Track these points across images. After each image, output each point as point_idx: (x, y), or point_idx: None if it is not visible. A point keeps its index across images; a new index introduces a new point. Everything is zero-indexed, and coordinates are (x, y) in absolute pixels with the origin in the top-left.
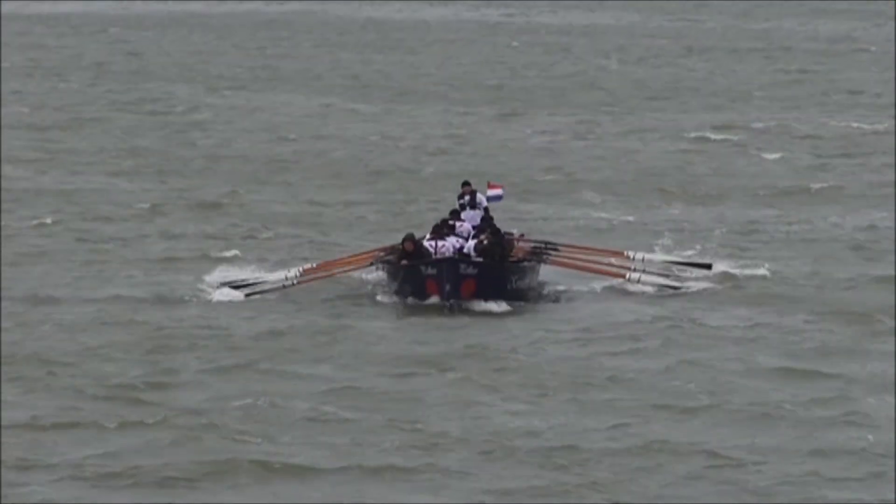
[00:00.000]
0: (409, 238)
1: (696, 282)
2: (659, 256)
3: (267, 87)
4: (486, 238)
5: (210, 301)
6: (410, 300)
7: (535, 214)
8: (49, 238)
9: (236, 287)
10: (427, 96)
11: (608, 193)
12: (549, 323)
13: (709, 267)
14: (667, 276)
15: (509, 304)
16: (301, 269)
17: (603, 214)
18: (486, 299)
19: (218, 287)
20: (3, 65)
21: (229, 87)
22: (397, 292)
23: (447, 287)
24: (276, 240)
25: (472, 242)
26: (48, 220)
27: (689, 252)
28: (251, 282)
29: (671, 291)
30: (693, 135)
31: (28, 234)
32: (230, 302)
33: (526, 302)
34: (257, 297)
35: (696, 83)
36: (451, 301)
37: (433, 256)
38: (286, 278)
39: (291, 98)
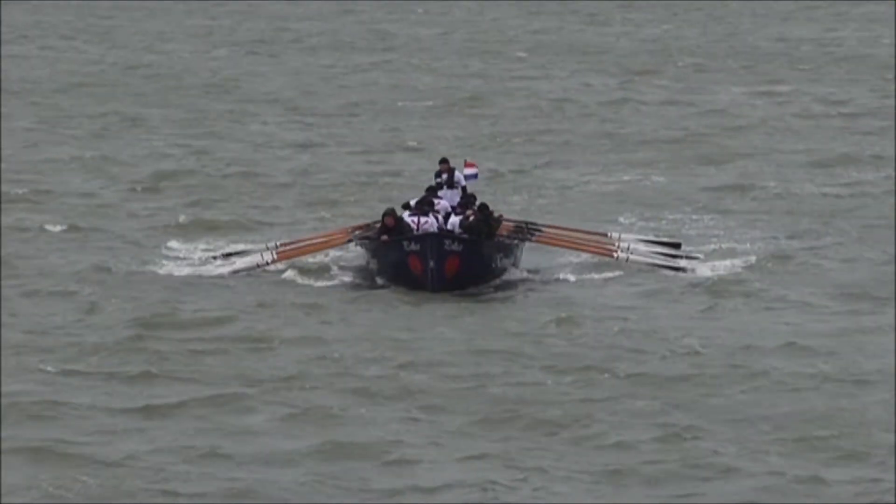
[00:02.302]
0: (390, 213)
1: (686, 261)
2: (635, 236)
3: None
4: (473, 214)
5: (189, 276)
6: (386, 282)
7: None
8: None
9: (211, 263)
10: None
11: None
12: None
13: (678, 246)
14: (655, 254)
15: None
16: (277, 244)
17: None
18: (470, 278)
19: (197, 264)
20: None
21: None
22: (377, 270)
23: (431, 264)
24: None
25: (457, 218)
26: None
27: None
28: (227, 256)
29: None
30: None
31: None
32: (204, 278)
33: (510, 281)
34: (237, 274)
35: None
36: (433, 280)
37: (415, 232)
38: (262, 258)
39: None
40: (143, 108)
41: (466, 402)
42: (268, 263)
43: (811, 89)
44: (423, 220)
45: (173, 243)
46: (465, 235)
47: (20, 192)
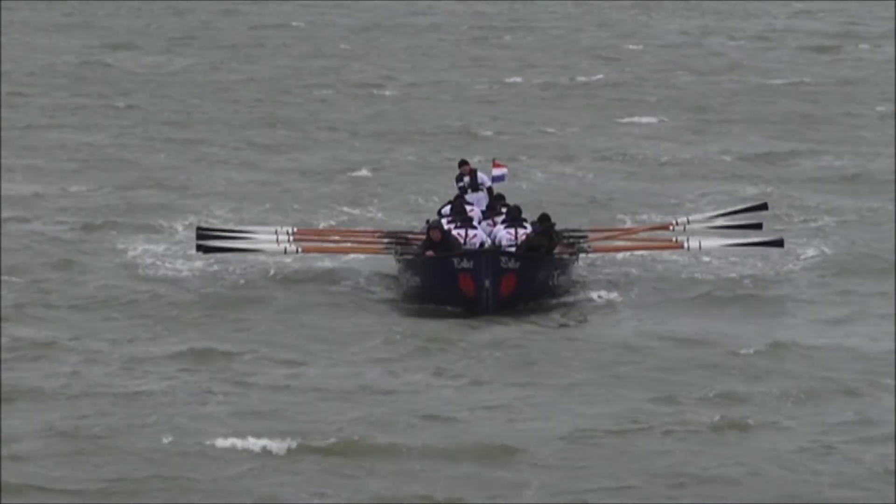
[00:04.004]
0: (436, 226)
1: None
2: (707, 214)
3: None
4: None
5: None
6: (429, 301)
7: None
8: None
9: (216, 239)
10: None
11: None
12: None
13: (765, 207)
14: (727, 236)
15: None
16: (291, 231)
17: None
18: (527, 298)
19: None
20: None
21: None
22: (419, 287)
23: (486, 283)
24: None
25: (486, 223)
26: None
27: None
28: (233, 236)
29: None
30: None
31: None
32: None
33: (570, 299)
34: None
35: None
36: (489, 301)
37: (464, 247)
38: (276, 240)
39: None
40: (141, 107)
41: None
42: (285, 251)
43: None
44: (471, 233)
45: (173, 242)
46: (515, 251)
47: (19, 190)
